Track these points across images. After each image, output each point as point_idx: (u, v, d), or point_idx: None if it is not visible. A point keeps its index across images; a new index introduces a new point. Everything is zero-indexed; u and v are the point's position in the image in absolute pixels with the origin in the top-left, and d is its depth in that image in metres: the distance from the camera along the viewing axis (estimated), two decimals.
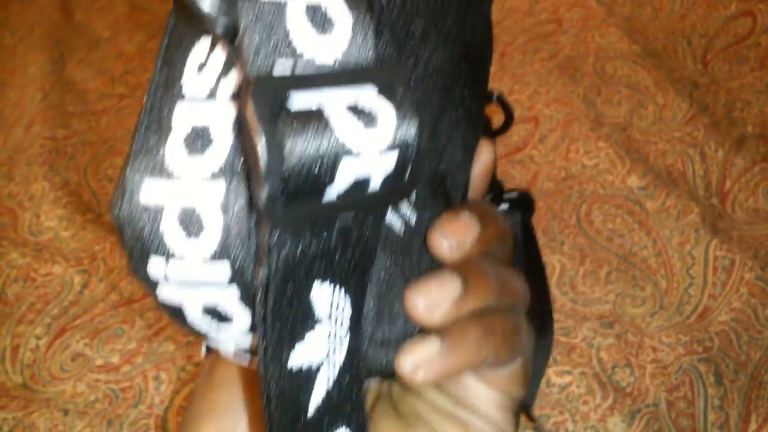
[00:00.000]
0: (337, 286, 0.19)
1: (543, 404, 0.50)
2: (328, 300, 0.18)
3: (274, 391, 0.18)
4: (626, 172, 0.64)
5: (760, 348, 0.51)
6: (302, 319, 0.18)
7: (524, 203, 0.35)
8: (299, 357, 0.18)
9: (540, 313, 0.37)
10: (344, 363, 0.19)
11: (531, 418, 0.47)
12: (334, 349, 0.19)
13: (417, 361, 0.21)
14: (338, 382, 0.19)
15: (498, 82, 0.77)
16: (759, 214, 0.59)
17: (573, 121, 0.70)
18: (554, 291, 0.57)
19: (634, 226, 0.61)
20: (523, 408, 0.49)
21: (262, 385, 0.18)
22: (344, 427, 0.19)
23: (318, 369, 0.19)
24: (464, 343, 0.21)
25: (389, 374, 0.22)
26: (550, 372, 0.52)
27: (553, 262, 0.59)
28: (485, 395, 0.24)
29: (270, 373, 0.18)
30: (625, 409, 0.49)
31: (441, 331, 0.21)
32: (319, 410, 0.19)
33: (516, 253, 0.32)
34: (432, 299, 0.21)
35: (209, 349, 0.26)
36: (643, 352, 0.52)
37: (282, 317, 0.17)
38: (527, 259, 0.36)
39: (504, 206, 0.35)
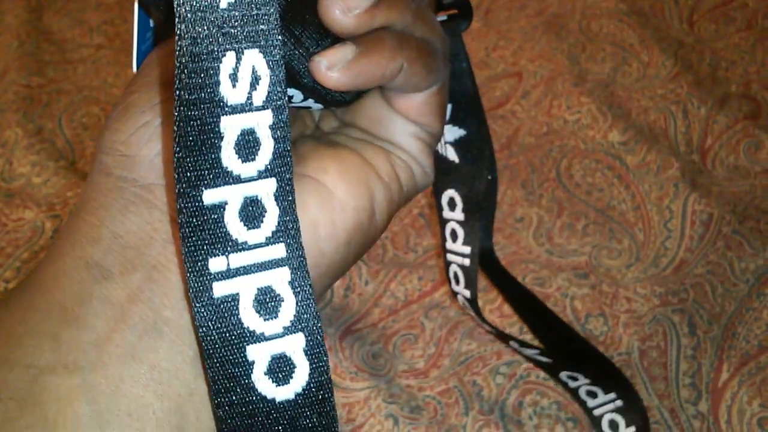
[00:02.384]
0: None
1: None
2: None
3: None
4: (608, 128, 0.64)
5: (734, 300, 0.51)
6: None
7: (463, 9, 0.34)
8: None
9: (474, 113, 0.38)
10: None
11: (495, 262, 0.46)
12: None
13: (332, 61, 0.23)
14: None
15: (483, 38, 0.75)
16: (739, 171, 0.59)
17: (556, 77, 0.69)
18: (530, 242, 0.57)
19: (613, 180, 0.60)
20: (484, 252, 0.47)
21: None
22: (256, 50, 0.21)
23: None
24: (378, 49, 0.23)
25: (308, 86, 0.24)
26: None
27: (530, 214, 0.59)
28: (402, 127, 0.27)
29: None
30: None
31: (356, 39, 0.23)
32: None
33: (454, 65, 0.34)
34: (347, 3, 0.22)
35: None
36: (617, 303, 0.52)
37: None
38: (456, 64, 0.37)
39: (442, 17, 0.35)
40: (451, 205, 0.39)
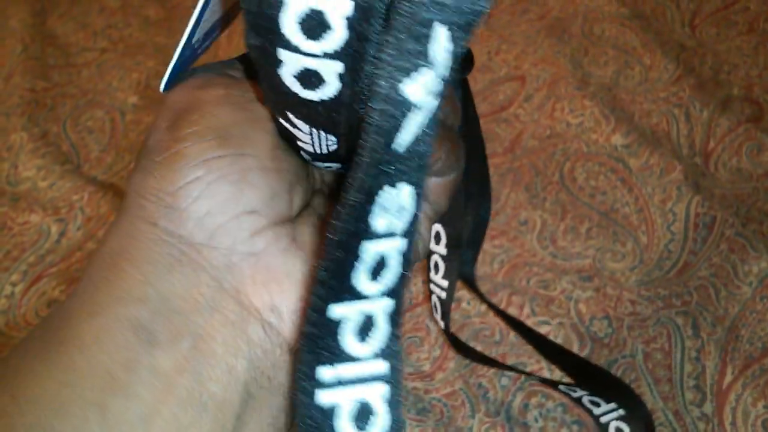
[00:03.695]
0: None
1: (520, 352, 0.50)
2: None
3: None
4: (611, 131, 0.64)
5: (738, 302, 0.51)
6: None
7: (465, 61, 0.35)
8: None
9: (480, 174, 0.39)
10: None
11: (475, 289, 0.48)
12: None
13: None
14: None
15: (485, 41, 0.76)
16: (742, 173, 0.59)
17: (559, 81, 0.70)
18: (534, 245, 0.57)
19: (616, 183, 0.60)
20: (466, 279, 0.49)
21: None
22: None
23: None
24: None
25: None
26: (528, 322, 0.52)
27: (534, 217, 0.59)
28: None
29: None
30: (601, 359, 0.49)
31: None
32: None
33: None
34: None
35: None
36: (621, 305, 0.52)
37: None
38: (465, 113, 0.37)
39: None
40: (437, 238, 0.40)
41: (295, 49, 0.18)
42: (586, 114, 0.66)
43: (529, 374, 0.49)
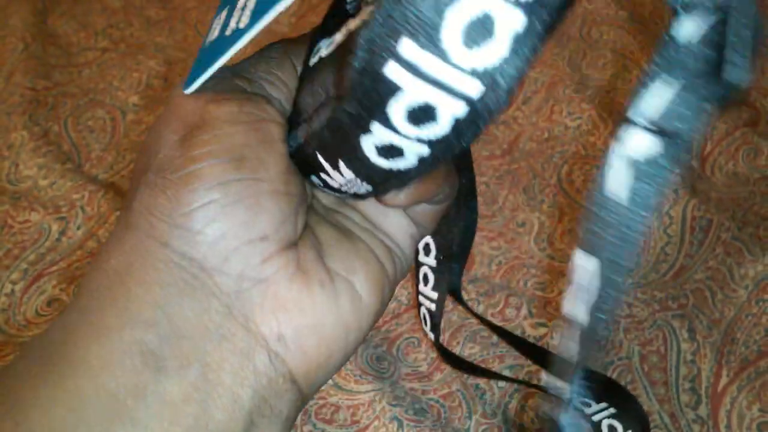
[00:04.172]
0: None
1: (517, 354, 0.51)
2: None
3: None
4: (608, 134, 0.64)
5: (734, 306, 0.52)
6: None
7: None
8: None
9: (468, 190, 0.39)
10: None
11: (461, 301, 0.48)
12: None
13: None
14: None
15: None
16: (738, 177, 0.60)
17: (557, 84, 0.70)
18: (532, 247, 0.58)
19: None
20: (452, 292, 0.50)
21: None
22: None
23: None
24: (435, 175, 0.24)
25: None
26: (525, 324, 0.52)
27: (532, 219, 0.59)
28: (402, 225, 0.27)
29: None
30: (598, 360, 0.50)
31: None
32: None
33: None
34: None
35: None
36: (617, 308, 0.53)
37: None
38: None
39: None
40: (426, 250, 0.41)
41: (392, 128, 0.18)
42: (584, 117, 0.66)
43: (519, 381, 0.49)
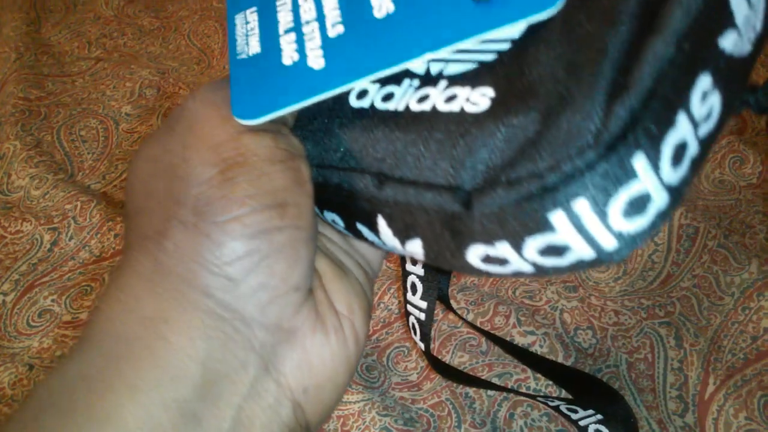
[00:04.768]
0: None
1: (506, 362, 0.51)
2: None
3: None
4: None
5: (720, 313, 0.52)
6: None
7: None
8: None
9: None
10: None
11: (450, 308, 0.48)
12: None
13: None
14: None
15: None
16: (725, 185, 0.60)
17: None
18: None
19: None
20: (441, 298, 0.50)
21: None
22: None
23: None
24: None
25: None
26: (514, 332, 0.53)
27: None
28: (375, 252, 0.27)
29: None
30: (586, 368, 0.50)
31: None
32: None
33: None
34: None
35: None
36: (605, 315, 0.53)
37: None
38: None
39: None
40: (414, 259, 0.41)
41: (520, 253, 0.19)
42: None
43: (508, 390, 0.49)
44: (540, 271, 0.20)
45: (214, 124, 0.21)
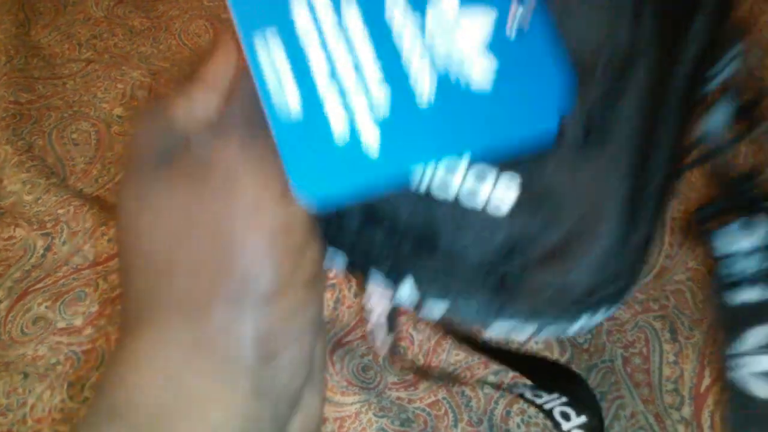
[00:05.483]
0: None
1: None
2: None
3: None
4: None
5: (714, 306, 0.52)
6: None
7: None
8: None
9: None
10: None
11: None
12: None
13: None
14: None
15: None
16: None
17: None
18: None
19: None
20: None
21: None
22: None
23: None
24: None
25: None
26: None
27: None
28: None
29: None
30: (582, 363, 0.50)
31: None
32: None
33: None
34: None
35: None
36: None
37: None
38: None
39: None
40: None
41: None
42: None
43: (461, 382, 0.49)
44: None
45: (270, 198, 0.20)
